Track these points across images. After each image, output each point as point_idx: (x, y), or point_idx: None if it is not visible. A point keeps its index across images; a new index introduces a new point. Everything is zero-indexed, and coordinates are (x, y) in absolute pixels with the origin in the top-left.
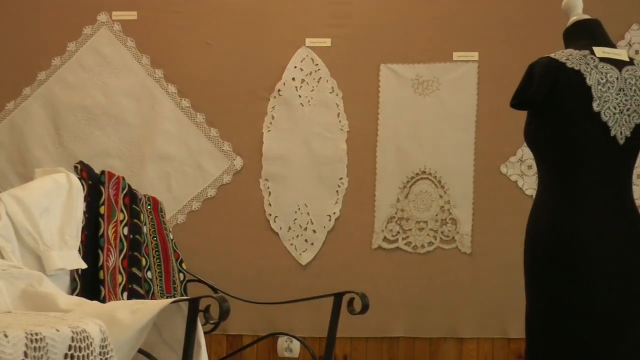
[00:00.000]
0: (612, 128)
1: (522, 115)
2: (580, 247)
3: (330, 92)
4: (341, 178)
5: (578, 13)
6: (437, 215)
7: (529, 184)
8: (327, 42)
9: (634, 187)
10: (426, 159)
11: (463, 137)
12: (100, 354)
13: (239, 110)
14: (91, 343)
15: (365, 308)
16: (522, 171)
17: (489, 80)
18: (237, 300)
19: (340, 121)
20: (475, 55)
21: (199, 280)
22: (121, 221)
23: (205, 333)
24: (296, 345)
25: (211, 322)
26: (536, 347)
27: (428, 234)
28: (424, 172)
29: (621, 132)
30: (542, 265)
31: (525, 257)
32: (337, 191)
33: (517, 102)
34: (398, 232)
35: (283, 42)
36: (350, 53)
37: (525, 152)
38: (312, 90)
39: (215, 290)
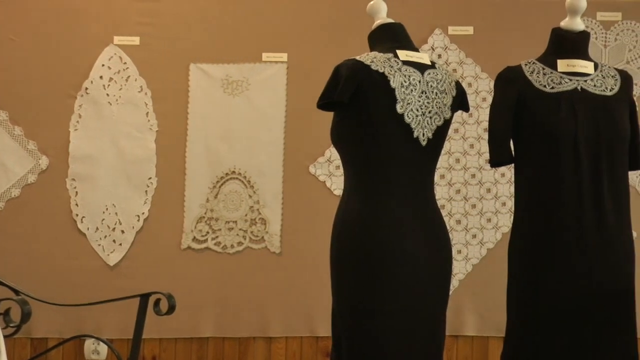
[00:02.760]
0: (414, 130)
1: (330, 116)
2: (385, 246)
3: (139, 91)
4: (150, 178)
5: (382, 17)
6: (246, 215)
7: (337, 184)
8: (135, 40)
9: (437, 188)
10: (236, 159)
11: (272, 137)
12: None
13: (45, 109)
14: None
15: (171, 309)
16: (331, 171)
17: (298, 81)
18: (41, 302)
19: (149, 120)
20: (284, 57)
21: None
22: None
23: (6, 336)
24: (104, 347)
25: (12, 325)
26: (341, 345)
27: (237, 234)
28: (233, 172)
29: (423, 134)
30: (346, 265)
31: (331, 256)
32: (146, 191)
33: (324, 103)
34: (207, 232)
35: (90, 40)
36: (160, 52)
37: (333, 153)
38: (120, 89)
39: (17, 292)
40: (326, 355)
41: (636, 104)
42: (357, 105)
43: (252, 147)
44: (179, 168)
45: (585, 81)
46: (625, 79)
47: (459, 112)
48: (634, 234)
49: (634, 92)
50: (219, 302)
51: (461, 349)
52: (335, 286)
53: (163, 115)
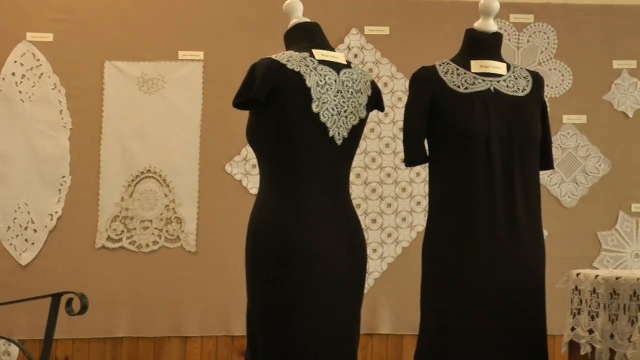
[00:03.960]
0: (330, 129)
1: (246, 115)
2: (300, 245)
3: (53, 89)
4: (64, 176)
5: (298, 16)
6: (162, 214)
7: (253, 183)
8: (49, 37)
9: (352, 186)
10: (151, 157)
11: (188, 136)
12: None
13: None
14: None
15: (84, 308)
16: (247, 170)
17: (214, 80)
18: None
19: (63, 118)
20: (200, 55)
21: None
22: None
23: None
24: (15, 348)
25: None
26: (256, 344)
27: (153, 233)
28: (149, 170)
29: (339, 133)
30: (261, 264)
31: (246, 255)
32: (59, 190)
33: (240, 101)
34: (122, 232)
35: (2, 36)
36: (74, 49)
37: (250, 152)
38: (33, 86)
39: None
40: (241, 355)
41: (547, 104)
42: (272, 104)
43: (168, 145)
44: (93, 166)
45: (498, 82)
46: (537, 80)
47: (375, 111)
48: (545, 233)
49: (545, 93)
50: (133, 301)
51: (376, 347)
52: (250, 285)
53: (77, 113)
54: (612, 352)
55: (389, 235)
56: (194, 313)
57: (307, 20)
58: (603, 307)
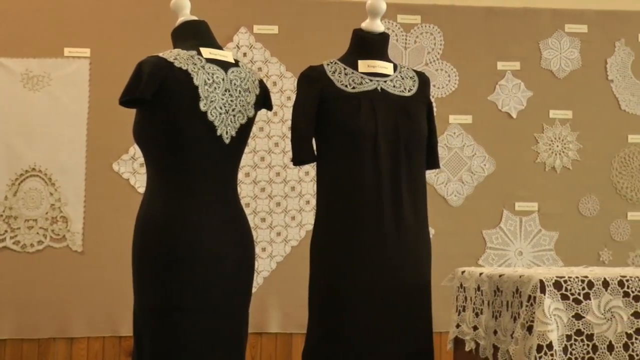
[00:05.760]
0: (218, 128)
1: (134, 113)
2: (187, 244)
3: None
4: None
5: (186, 14)
6: (47, 213)
7: (141, 182)
8: None
9: (242, 185)
10: (36, 156)
11: (75, 134)
12: None
13: None
14: None
15: None
16: (135, 169)
17: (101, 77)
18: None
19: None
20: (87, 52)
21: None
22: None
23: None
24: None
25: None
26: (143, 344)
27: (38, 233)
28: (33, 169)
29: (227, 132)
30: (148, 264)
31: (133, 255)
32: None
33: (126, 99)
34: (6, 231)
35: None
36: None
37: (137, 150)
38: None
39: None
40: (129, 355)
41: (434, 104)
42: (159, 103)
43: (54, 144)
44: None
45: (385, 82)
46: (423, 80)
47: (264, 110)
48: (432, 231)
49: (431, 93)
50: (17, 302)
51: (265, 346)
52: (137, 285)
53: None
54: (496, 348)
55: (279, 234)
56: (80, 314)
57: (195, 18)
58: (487, 304)
